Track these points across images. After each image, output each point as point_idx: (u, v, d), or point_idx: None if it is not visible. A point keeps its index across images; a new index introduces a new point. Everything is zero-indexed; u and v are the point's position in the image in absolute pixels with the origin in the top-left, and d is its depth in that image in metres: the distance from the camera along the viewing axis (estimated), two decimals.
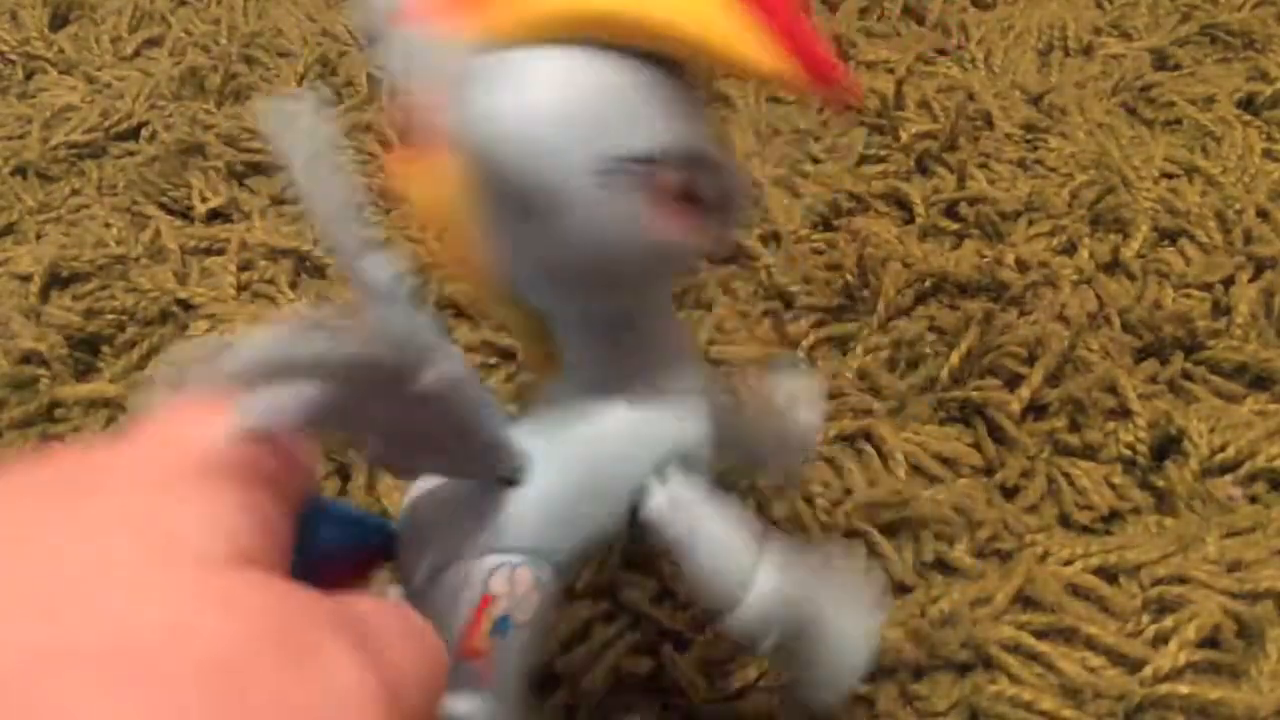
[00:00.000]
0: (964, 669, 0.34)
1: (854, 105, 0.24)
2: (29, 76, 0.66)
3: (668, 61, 0.23)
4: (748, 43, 0.23)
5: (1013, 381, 0.43)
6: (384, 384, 0.20)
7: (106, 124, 0.60)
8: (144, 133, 0.59)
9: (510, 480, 0.25)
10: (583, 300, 0.25)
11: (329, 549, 0.22)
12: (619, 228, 0.23)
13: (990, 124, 0.57)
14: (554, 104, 0.22)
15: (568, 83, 0.22)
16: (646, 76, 0.23)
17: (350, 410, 0.20)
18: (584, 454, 0.25)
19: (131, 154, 0.58)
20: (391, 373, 0.20)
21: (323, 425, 0.20)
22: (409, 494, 0.26)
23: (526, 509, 0.25)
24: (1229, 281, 0.48)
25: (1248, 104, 0.59)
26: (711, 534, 0.26)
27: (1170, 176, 0.54)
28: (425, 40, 0.23)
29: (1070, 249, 0.50)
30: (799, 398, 0.32)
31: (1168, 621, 0.34)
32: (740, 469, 0.34)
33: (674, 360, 0.27)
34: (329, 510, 0.23)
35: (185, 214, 0.54)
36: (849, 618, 0.27)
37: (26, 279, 0.50)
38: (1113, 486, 0.40)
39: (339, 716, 0.17)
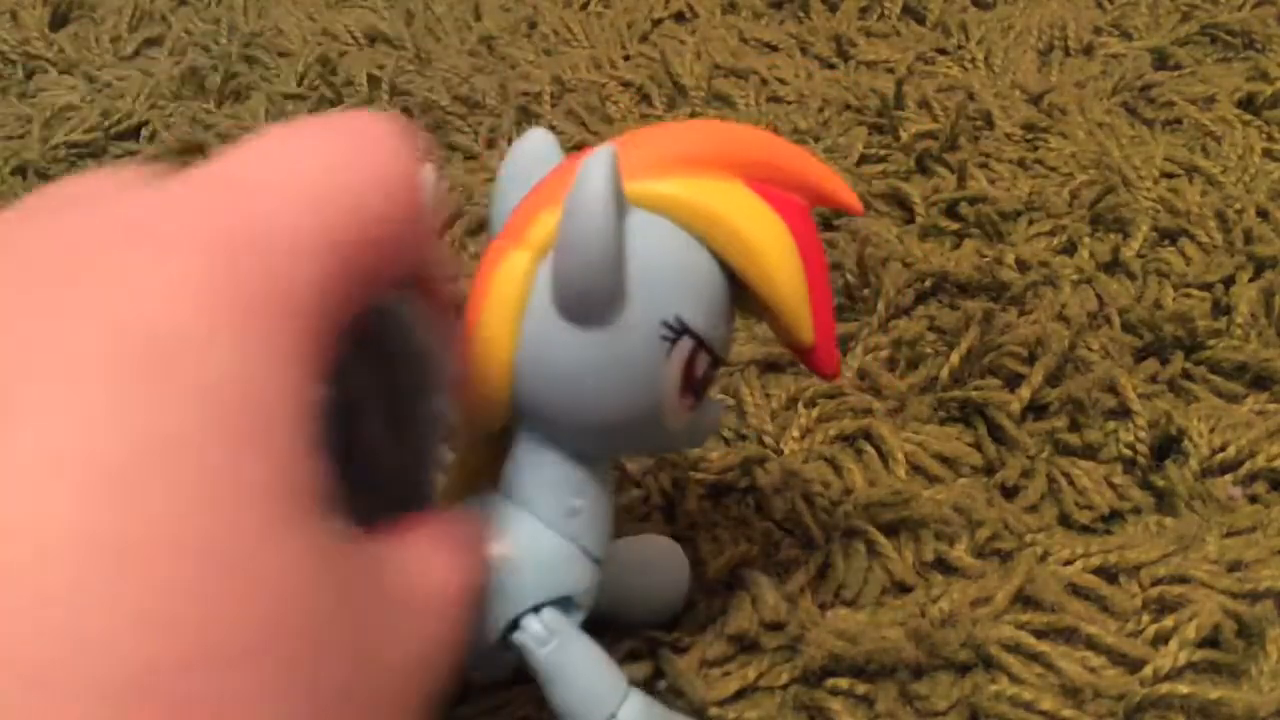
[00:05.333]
0: (964, 669, 0.34)
1: (832, 378, 0.29)
2: (29, 76, 0.66)
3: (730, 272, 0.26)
4: (802, 308, 0.27)
5: (1013, 381, 0.43)
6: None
7: (106, 124, 0.60)
8: (144, 132, 0.59)
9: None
10: (579, 433, 0.26)
11: None
12: (643, 382, 0.25)
13: (990, 124, 0.57)
14: (652, 257, 0.25)
15: (669, 247, 0.25)
16: (722, 273, 0.26)
17: None
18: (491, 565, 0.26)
19: (131, 154, 0.58)
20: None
21: None
22: None
23: None
24: (1229, 281, 0.48)
25: (1248, 104, 0.59)
26: (579, 669, 0.27)
27: (1170, 176, 0.54)
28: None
29: (1070, 249, 0.50)
30: (655, 563, 0.34)
31: (1168, 621, 0.34)
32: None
33: (601, 516, 0.28)
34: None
35: None
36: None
37: None
38: (1113, 486, 0.40)
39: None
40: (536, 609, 0.27)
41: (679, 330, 0.25)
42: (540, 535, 0.27)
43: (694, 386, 0.26)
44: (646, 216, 0.25)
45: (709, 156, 0.26)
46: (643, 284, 0.24)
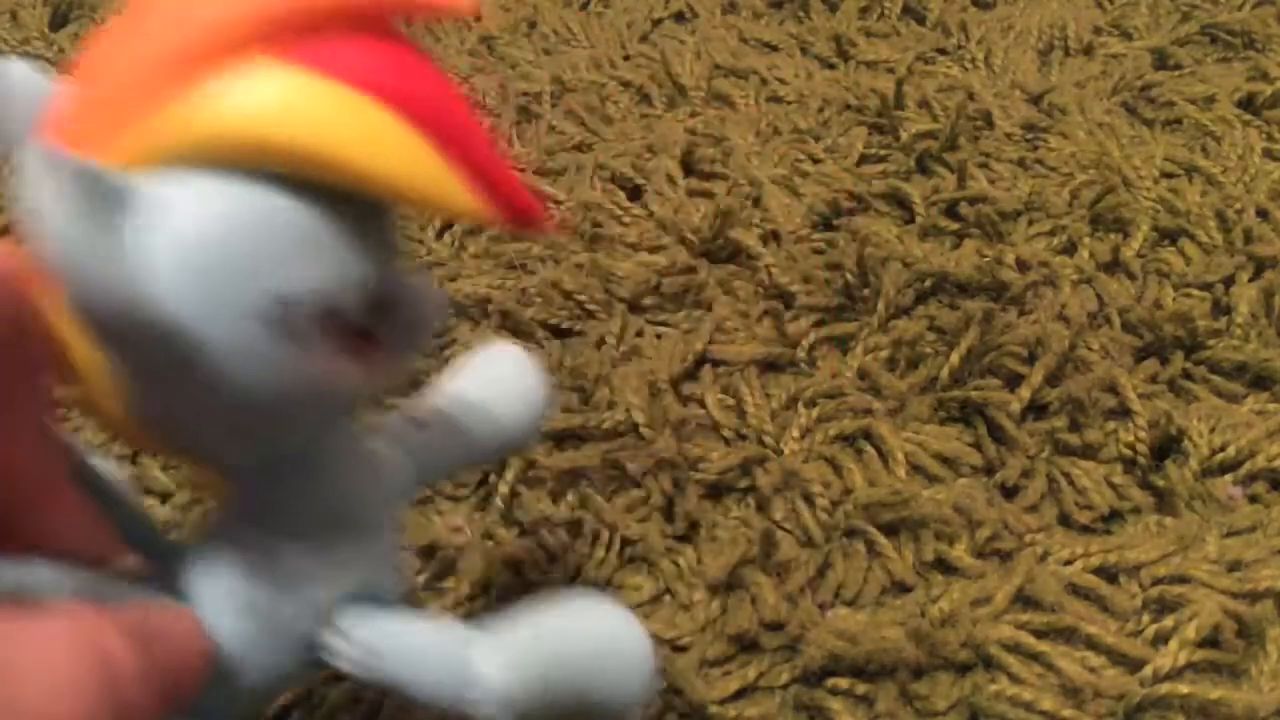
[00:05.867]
0: (964, 669, 0.34)
1: (549, 232, 0.21)
2: None
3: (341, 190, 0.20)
4: (430, 177, 0.20)
5: (1013, 381, 0.43)
6: None
7: None
8: None
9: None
10: (236, 447, 0.22)
11: None
12: (275, 374, 0.20)
13: (990, 124, 0.57)
14: (200, 239, 0.19)
15: (217, 215, 0.19)
16: (312, 208, 0.20)
17: None
18: (256, 599, 0.23)
19: None
20: None
21: None
22: None
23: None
24: (1229, 281, 0.48)
25: (1248, 104, 0.59)
26: (408, 659, 0.24)
27: (1170, 176, 0.54)
28: (56, 159, 0.18)
29: (1070, 249, 0.50)
30: (502, 383, 0.30)
31: (1168, 621, 0.34)
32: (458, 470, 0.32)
33: (359, 493, 0.25)
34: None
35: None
36: (616, 653, 0.25)
37: None
38: (1113, 486, 0.40)
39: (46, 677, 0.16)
40: (340, 618, 0.24)
41: (287, 315, 0.19)
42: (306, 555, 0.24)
43: (355, 338, 0.21)
44: (157, 188, 0.19)
45: (202, 43, 0.19)
46: (198, 277, 0.19)
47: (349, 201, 0.20)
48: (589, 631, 0.25)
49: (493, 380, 0.30)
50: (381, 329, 0.21)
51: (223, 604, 0.23)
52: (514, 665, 0.24)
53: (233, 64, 0.19)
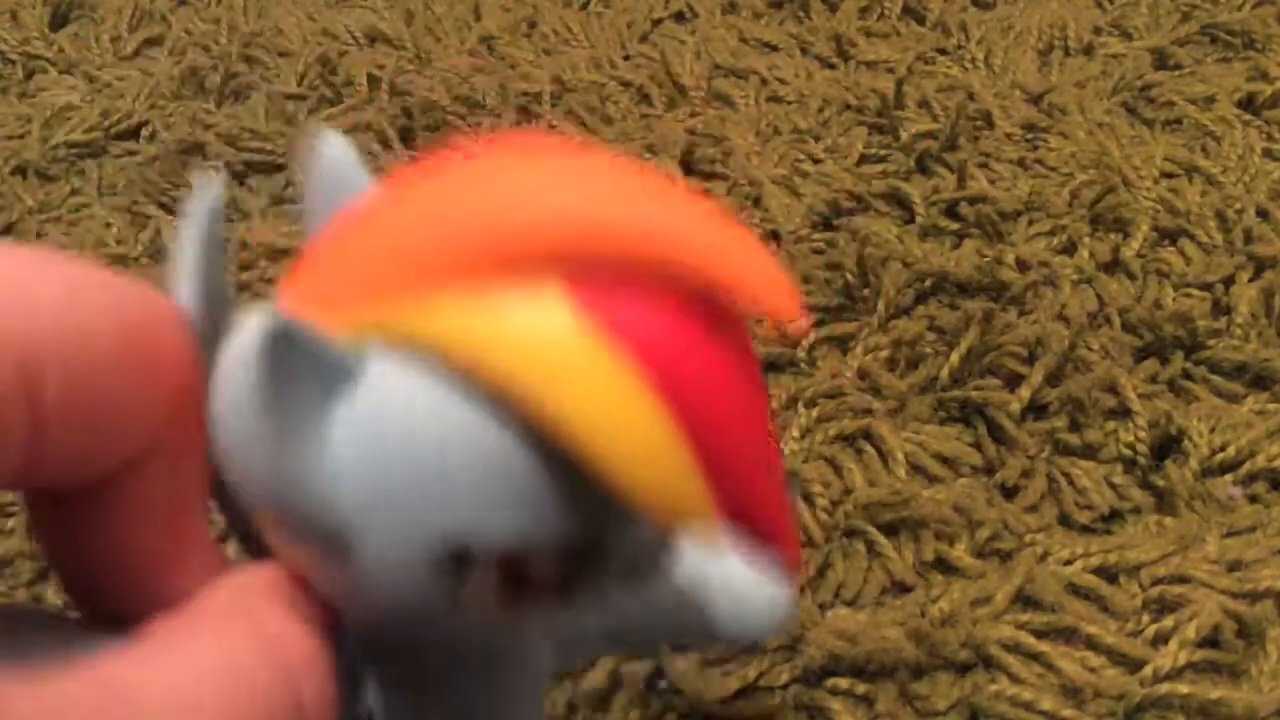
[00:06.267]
0: (964, 669, 0.34)
1: (792, 570, 0.18)
2: (29, 76, 0.66)
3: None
4: (673, 488, 0.16)
5: (1013, 381, 0.43)
6: None
7: (106, 124, 0.60)
8: (144, 132, 0.59)
9: None
10: (362, 646, 0.19)
11: None
12: (423, 601, 0.17)
13: (990, 124, 0.57)
14: (387, 432, 0.16)
15: (416, 410, 0.16)
16: (522, 445, 0.16)
17: None
18: None
19: (131, 154, 0.58)
20: None
21: None
22: None
23: None
24: (1229, 281, 0.48)
25: (1248, 104, 0.59)
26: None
27: (1170, 176, 0.54)
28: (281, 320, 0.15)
29: (1070, 249, 0.50)
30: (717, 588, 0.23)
31: (1168, 621, 0.34)
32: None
33: (507, 693, 0.21)
34: None
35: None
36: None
37: None
38: (1113, 486, 0.40)
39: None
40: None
41: (459, 560, 0.16)
42: None
43: (532, 592, 0.17)
44: (368, 378, 0.16)
45: (489, 242, 0.16)
46: (375, 498, 0.16)
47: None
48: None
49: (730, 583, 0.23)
50: (537, 577, 0.17)
51: None
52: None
53: (517, 277, 0.15)
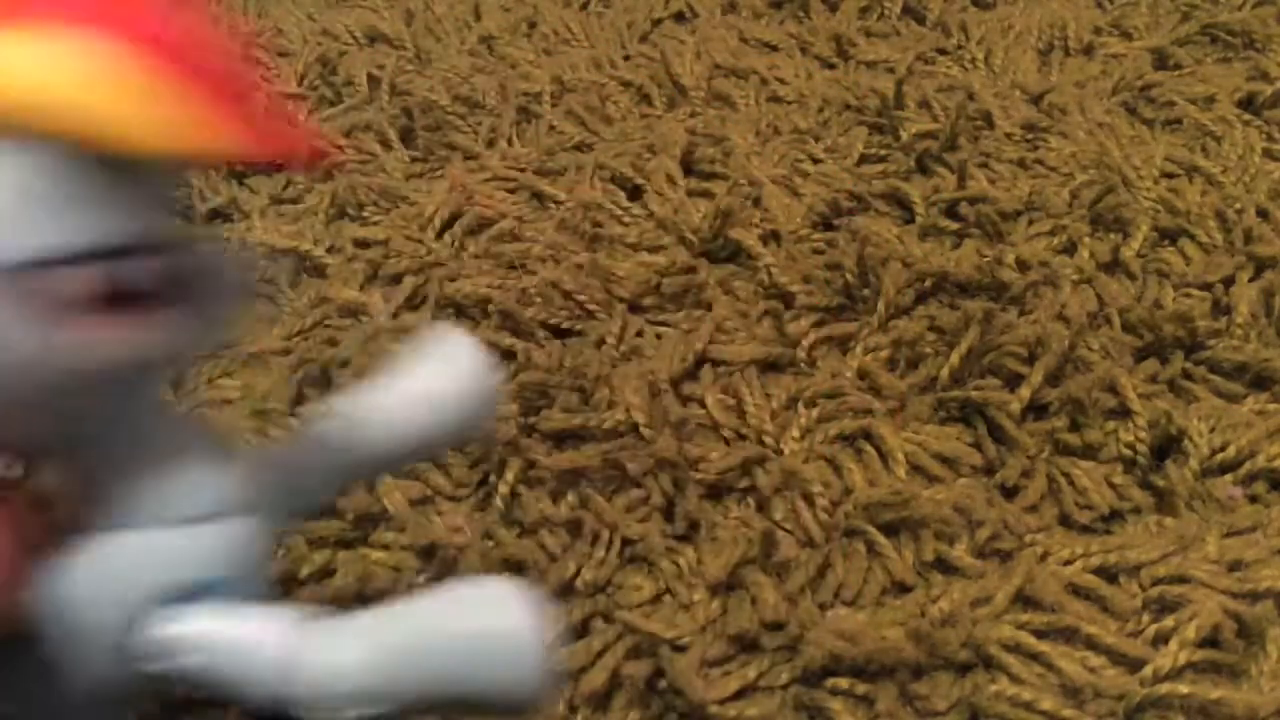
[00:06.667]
0: (964, 669, 0.34)
1: (325, 166, 0.19)
2: None
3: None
4: (152, 116, 0.18)
5: (1013, 381, 0.43)
6: None
7: None
8: None
9: None
10: (31, 431, 0.21)
11: None
12: (17, 349, 0.18)
13: (990, 124, 0.57)
14: None
15: None
16: (48, 164, 0.18)
17: None
18: (65, 598, 0.22)
19: None
20: None
21: None
22: None
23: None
24: (1229, 281, 0.48)
25: (1248, 104, 0.59)
26: (228, 654, 0.22)
27: (1170, 176, 0.54)
28: None
29: (1070, 249, 0.50)
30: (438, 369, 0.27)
31: (1168, 621, 0.34)
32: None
33: (175, 476, 0.23)
34: None
35: (185, 214, 0.54)
36: (492, 639, 0.23)
37: None
38: (1113, 486, 0.40)
39: None
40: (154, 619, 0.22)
41: (29, 268, 0.18)
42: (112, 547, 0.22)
43: (126, 299, 0.19)
44: None
45: None
46: None
47: (102, 163, 0.18)
48: (460, 617, 0.23)
49: (441, 371, 0.28)
50: (140, 289, 0.19)
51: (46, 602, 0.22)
52: (351, 653, 0.22)
53: None
